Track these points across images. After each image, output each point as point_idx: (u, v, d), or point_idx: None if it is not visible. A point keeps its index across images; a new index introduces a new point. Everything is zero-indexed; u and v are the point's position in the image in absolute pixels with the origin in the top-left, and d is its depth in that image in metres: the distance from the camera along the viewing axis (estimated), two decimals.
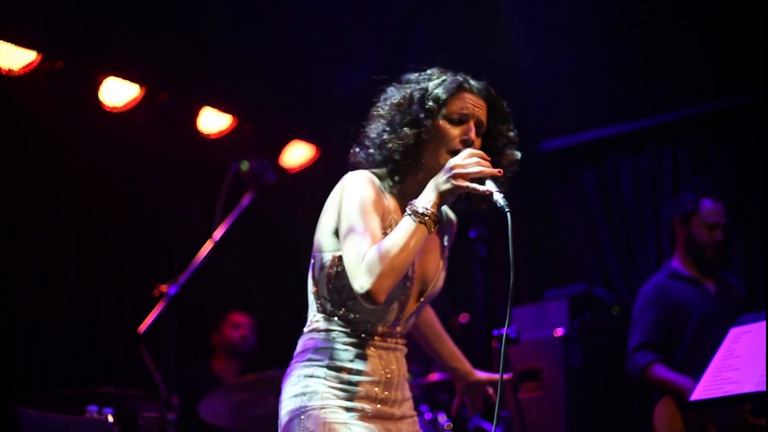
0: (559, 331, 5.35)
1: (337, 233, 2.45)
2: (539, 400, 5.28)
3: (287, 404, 2.48)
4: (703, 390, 3.34)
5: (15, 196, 5.46)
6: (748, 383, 3.19)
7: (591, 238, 6.35)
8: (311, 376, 2.46)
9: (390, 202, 2.53)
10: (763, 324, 3.35)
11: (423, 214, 2.32)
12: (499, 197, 2.32)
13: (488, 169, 2.35)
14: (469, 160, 2.35)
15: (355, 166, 2.60)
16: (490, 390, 2.92)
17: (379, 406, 2.49)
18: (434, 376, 5.48)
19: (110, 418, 4.17)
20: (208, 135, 6.02)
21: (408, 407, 2.60)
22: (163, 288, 4.53)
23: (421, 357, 6.37)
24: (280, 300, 6.60)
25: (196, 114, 5.93)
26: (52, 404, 4.52)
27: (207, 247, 4.75)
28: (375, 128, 2.57)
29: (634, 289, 5.91)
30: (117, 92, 5.53)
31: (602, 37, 5.98)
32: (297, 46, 5.90)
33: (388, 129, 2.53)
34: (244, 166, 4.92)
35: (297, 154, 6.48)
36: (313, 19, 5.92)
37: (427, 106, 2.50)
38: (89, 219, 5.83)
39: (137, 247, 6.04)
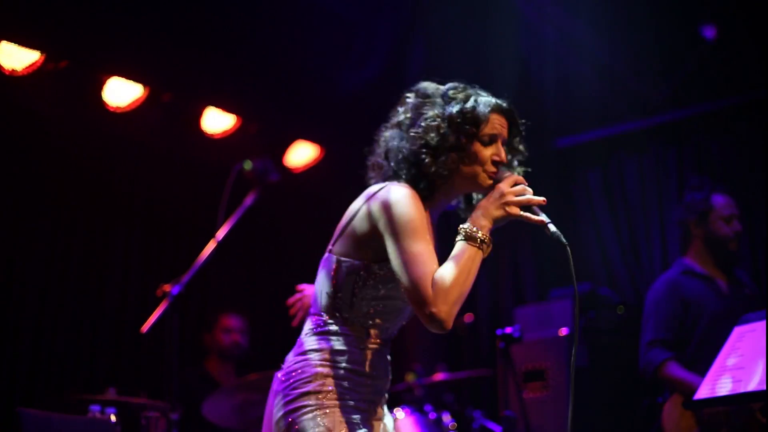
0: (563, 331, 5.35)
1: (371, 242, 2.45)
2: (544, 399, 5.27)
3: (302, 400, 2.48)
4: (707, 389, 3.33)
5: (18, 196, 5.47)
6: (751, 382, 3.18)
7: (595, 237, 6.33)
8: (328, 376, 2.50)
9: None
10: (765, 323, 3.34)
11: (482, 241, 2.38)
12: (553, 228, 2.42)
13: (536, 198, 2.43)
14: (517, 188, 2.44)
15: (378, 177, 2.59)
16: None
17: (373, 406, 2.57)
18: (439, 376, 5.47)
19: (113, 418, 4.18)
20: (212, 135, 6.00)
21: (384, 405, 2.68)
22: (166, 288, 4.53)
23: (425, 356, 6.39)
24: (283, 300, 6.57)
25: (200, 114, 5.92)
26: (54, 404, 4.52)
27: (210, 246, 4.74)
28: (402, 144, 2.55)
29: (639, 288, 5.89)
30: (121, 92, 5.52)
31: (605, 37, 5.97)
32: (301, 45, 5.90)
33: (426, 150, 2.50)
34: (248, 165, 4.91)
35: (301, 153, 6.46)
36: (317, 18, 5.92)
37: (466, 130, 2.51)
38: (93, 219, 5.83)
39: (141, 247, 6.04)
